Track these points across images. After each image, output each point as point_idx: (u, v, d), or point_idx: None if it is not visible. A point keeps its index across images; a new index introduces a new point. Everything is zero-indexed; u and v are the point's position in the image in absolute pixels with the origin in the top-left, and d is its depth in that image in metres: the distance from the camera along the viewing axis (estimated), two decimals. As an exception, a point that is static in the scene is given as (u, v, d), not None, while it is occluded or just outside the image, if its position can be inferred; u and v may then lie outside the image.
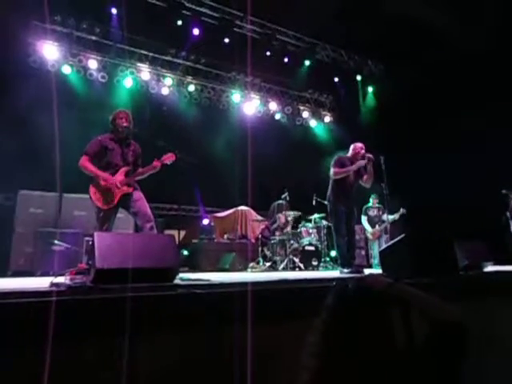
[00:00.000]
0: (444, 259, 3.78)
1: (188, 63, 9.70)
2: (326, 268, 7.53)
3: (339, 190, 5.15)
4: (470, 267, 4.04)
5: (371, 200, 8.01)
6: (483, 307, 3.30)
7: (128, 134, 4.15)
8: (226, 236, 8.88)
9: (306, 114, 11.46)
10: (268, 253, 7.98)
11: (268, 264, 7.57)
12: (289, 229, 7.84)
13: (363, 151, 5.29)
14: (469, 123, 7.20)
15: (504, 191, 6.49)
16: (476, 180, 6.97)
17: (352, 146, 5.46)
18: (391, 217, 7.57)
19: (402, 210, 7.65)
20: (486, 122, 7.01)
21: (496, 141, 7.01)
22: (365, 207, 8.03)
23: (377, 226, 7.79)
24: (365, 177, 5.24)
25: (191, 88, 9.84)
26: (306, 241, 7.77)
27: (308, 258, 7.53)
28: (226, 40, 9.11)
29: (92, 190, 3.89)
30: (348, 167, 5.16)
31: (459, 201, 7.14)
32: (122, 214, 4.11)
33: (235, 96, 10.36)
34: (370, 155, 5.18)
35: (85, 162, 3.90)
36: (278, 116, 11.09)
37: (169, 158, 4.15)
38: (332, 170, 5.19)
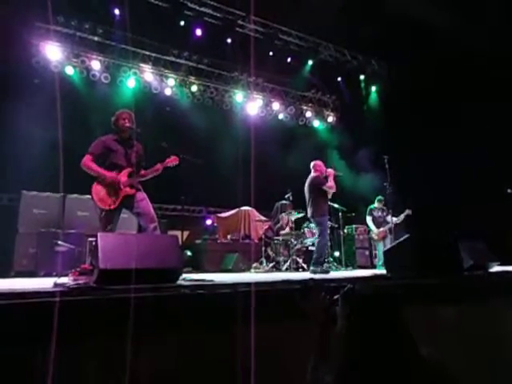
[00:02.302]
0: (448, 259, 3.76)
1: (191, 63, 9.69)
2: (330, 268, 7.51)
3: (324, 204, 5.92)
4: (476, 267, 4.02)
5: (376, 202, 7.98)
6: (489, 307, 3.28)
7: (131, 135, 4.15)
8: (229, 236, 8.86)
9: (309, 114, 11.43)
10: (271, 253, 7.96)
11: (271, 264, 7.55)
12: (292, 229, 7.82)
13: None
14: (472, 122, 7.16)
15: (509, 190, 6.44)
16: (480, 179, 6.94)
17: (316, 166, 6.14)
18: (396, 218, 7.54)
19: (407, 211, 7.61)
20: (490, 121, 6.97)
21: (501, 140, 6.97)
22: (369, 208, 7.99)
23: (382, 227, 7.75)
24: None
25: (194, 88, 9.83)
26: (309, 241, 7.74)
27: (311, 259, 7.49)
28: (229, 40, 9.10)
29: (95, 190, 3.88)
30: (331, 182, 5.93)
31: (464, 201, 7.10)
32: (125, 214, 4.10)
33: (238, 96, 10.35)
34: (330, 170, 6.09)
35: (88, 162, 3.89)
36: (281, 116, 11.06)
37: (172, 161, 4.15)
38: (327, 185, 5.85)
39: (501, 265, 4.82)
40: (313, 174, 6.10)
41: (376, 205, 7.98)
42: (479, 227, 5.78)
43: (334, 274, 5.81)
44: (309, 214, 6.04)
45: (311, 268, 5.74)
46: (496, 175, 6.95)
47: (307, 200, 6.02)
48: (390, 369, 1.07)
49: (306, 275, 5.48)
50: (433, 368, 1.13)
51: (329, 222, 6.23)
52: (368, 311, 1.15)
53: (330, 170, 6.11)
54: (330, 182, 5.92)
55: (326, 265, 5.99)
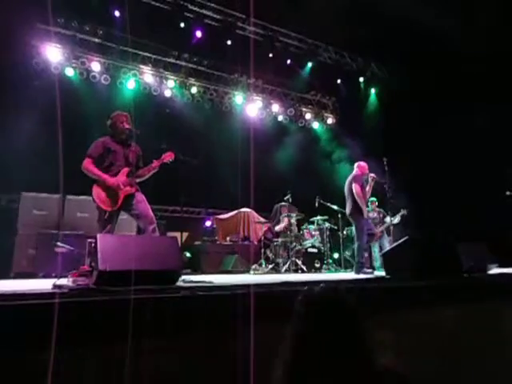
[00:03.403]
0: (447, 261, 3.76)
1: (191, 65, 9.70)
2: (329, 270, 7.51)
3: (362, 204, 5.85)
4: (475, 269, 4.02)
5: (369, 203, 8.00)
6: (488, 309, 3.28)
7: (128, 136, 4.16)
8: (228, 238, 8.86)
9: (308, 116, 11.44)
10: (270, 255, 7.95)
11: (270, 266, 7.55)
12: (292, 231, 7.82)
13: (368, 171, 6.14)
14: (471, 124, 7.18)
15: (508, 193, 6.45)
16: (480, 181, 6.95)
17: (359, 166, 6.14)
18: (393, 219, 7.53)
19: (402, 210, 7.61)
20: (489, 122, 6.99)
21: (500, 141, 6.99)
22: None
23: (377, 228, 7.74)
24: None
25: (194, 90, 9.84)
26: (308, 243, 7.75)
27: (311, 260, 7.50)
28: (229, 42, 9.11)
29: (95, 191, 3.89)
30: (364, 194, 5.96)
31: (463, 202, 7.11)
32: (124, 215, 4.11)
33: (238, 98, 10.36)
34: (373, 175, 6.09)
35: (88, 165, 3.91)
36: (280, 118, 11.08)
37: (168, 157, 4.17)
38: (356, 189, 5.85)
39: (499, 267, 4.83)
40: (354, 172, 6.14)
41: (370, 206, 8.01)
42: (478, 229, 5.78)
43: (332, 276, 5.82)
44: (347, 212, 6.09)
45: (354, 273, 5.84)
46: (495, 177, 6.95)
47: (346, 198, 6.06)
48: (335, 370, 1.09)
49: (305, 277, 5.48)
50: (386, 376, 1.15)
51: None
52: (320, 313, 1.18)
53: (372, 174, 6.13)
54: (368, 187, 6.03)
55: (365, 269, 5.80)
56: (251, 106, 10.56)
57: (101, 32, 8.51)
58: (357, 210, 5.85)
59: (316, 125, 11.66)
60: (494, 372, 3.01)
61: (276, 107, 10.87)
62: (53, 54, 8.10)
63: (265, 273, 7.23)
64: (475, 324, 3.14)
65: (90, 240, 5.69)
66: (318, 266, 7.50)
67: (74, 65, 8.44)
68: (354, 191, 5.86)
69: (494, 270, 4.60)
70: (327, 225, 8.09)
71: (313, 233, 8.01)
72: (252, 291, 2.37)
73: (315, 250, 7.67)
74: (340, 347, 1.11)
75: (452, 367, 2.79)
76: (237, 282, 3.36)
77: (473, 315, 3.16)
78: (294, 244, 7.61)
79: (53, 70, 8.11)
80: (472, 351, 2.95)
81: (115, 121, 4.13)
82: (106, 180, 3.87)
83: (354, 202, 5.87)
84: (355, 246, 5.96)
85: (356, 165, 6.25)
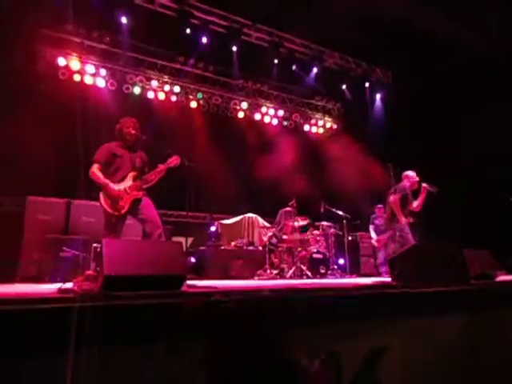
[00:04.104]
0: (454, 268, 3.73)
1: (196, 71, 9.77)
2: (334, 276, 7.48)
3: (398, 213, 5.70)
4: (482, 276, 3.98)
5: (376, 210, 8.00)
6: (495, 317, 3.25)
7: (135, 142, 4.19)
8: (233, 243, 8.85)
9: (313, 121, 11.45)
10: (275, 260, 7.93)
11: (275, 272, 7.52)
12: (296, 236, 7.80)
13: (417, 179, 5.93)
14: (478, 128, 7.14)
15: (512, 199, 6.41)
16: (487, 186, 6.91)
17: (408, 176, 5.98)
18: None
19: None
20: (497, 126, 6.94)
21: (507, 146, 6.94)
22: (372, 217, 8.03)
23: (384, 234, 7.71)
24: (414, 204, 5.88)
25: (199, 95, 9.89)
26: (313, 248, 7.72)
27: (316, 266, 7.47)
28: (234, 48, 9.17)
29: (102, 196, 3.90)
30: (404, 203, 5.75)
31: (470, 208, 7.06)
32: (130, 220, 4.12)
33: (243, 103, 10.40)
34: (426, 185, 5.77)
35: (95, 171, 3.92)
36: (285, 123, 11.09)
37: (173, 162, 4.17)
38: (392, 201, 5.75)
39: (507, 273, 4.79)
40: (402, 182, 5.99)
41: (377, 213, 8.01)
42: (485, 235, 5.74)
43: (337, 282, 5.78)
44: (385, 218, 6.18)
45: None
46: (500, 183, 6.91)
47: (386, 204, 6.09)
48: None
49: (310, 282, 5.45)
50: None
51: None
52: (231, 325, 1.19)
53: (425, 185, 5.87)
54: (418, 201, 5.85)
55: None
56: (256, 112, 10.59)
57: (108, 38, 8.60)
58: (393, 217, 5.79)
59: (321, 130, 11.66)
60: (500, 380, 2.97)
61: (281, 112, 10.89)
62: (60, 59, 8.19)
63: (269, 278, 7.20)
64: (482, 331, 3.10)
65: (95, 245, 5.73)
66: (323, 271, 7.46)
67: (81, 70, 8.52)
68: (390, 199, 5.79)
69: (502, 277, 4.56)
70: (332, 230, 8.06)
71: (318, 238, 7.98)
72: (257, 297, 2.36)
73: (320, 256, 7.64)
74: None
75: (457, 374, 2.76)
76: (242, 288, 3.36)
77: (480, 322, 3.12)
78: (299, 249, 7.58)
79: (60, 76, 8.20)
80: (478, 359, 2.92)
81: (122, 126, 4.16)
82: (109, 190, 3.88)
83: (391, 209, 5.84)
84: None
85: (404, 175, 6.04)
